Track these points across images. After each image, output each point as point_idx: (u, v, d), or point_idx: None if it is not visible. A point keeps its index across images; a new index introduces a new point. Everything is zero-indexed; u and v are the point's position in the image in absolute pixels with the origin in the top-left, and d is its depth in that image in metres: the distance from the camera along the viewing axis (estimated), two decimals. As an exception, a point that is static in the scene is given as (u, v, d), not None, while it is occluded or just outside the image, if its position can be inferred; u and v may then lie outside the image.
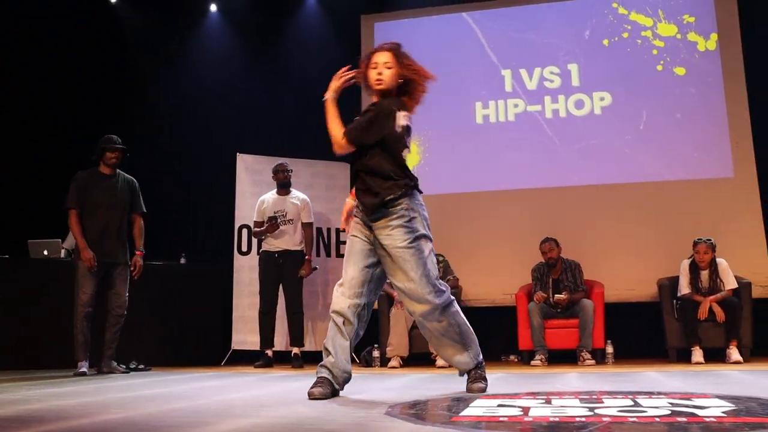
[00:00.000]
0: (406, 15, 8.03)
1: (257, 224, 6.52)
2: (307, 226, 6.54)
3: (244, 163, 7.20)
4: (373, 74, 3.40)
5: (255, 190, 7.08)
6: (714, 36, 7.22)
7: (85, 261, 5.25)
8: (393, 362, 6.05)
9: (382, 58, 3.38)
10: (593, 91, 7.41)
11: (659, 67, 7.29)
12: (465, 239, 7.23)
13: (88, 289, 5.28)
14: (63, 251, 6.33)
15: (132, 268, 5.53)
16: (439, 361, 5.88)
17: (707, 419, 2.18)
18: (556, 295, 6.23)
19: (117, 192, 5.53)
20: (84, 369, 5.18)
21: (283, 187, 6.56)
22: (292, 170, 6.60)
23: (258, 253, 6.76)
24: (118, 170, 5.61)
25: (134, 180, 5.72)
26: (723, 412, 2.33)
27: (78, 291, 5.28)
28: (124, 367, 5.66)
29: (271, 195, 6.58)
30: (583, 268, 6.41)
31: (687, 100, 7.17)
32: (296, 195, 6.61)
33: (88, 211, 5.40)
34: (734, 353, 5.65)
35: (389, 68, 3.35)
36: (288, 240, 6.45)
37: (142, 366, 5.92)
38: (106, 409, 2.77)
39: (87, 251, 5.26)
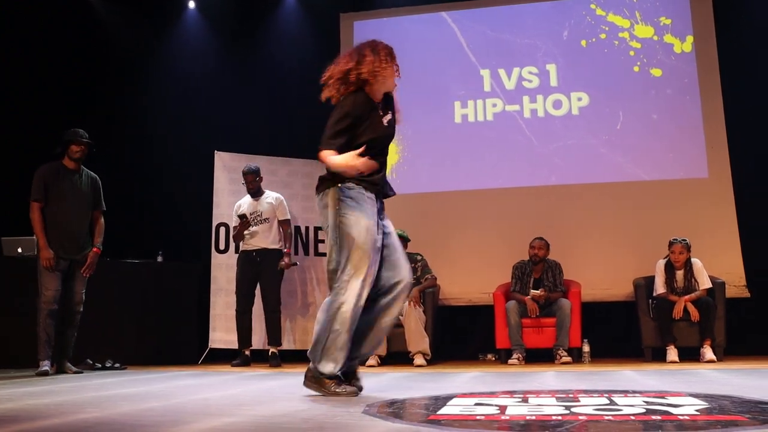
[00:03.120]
0: (386, 14, 8.03)
1: (235, 229, 6.51)
2: (284, 223, 6.54)
3: (222, 161, 7.16)
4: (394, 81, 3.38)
5: (233, 188, 7.05)
6: (690, 38, 7.30)
7: (44, 261, 5.16)
8: (371, 361, 6.05)
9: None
10: (571, 92, 7.45)
11: (636, 69, 7.36)
12: (443, 238, 7.24)
13: (51, 286, 5.17)
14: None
15: (86, 269, 5.40)
16: (417, 360, 5.89)
17: (681, 417, 2.20)
18: (532, 291, 6.27)
19: (83, 188, 5.45)
20: (46, 368, 5.05)
21: (255, 194, 6.54)
22: (261, 178, 6.57)
23: (236, 252, 6.74)
24: (82, 166, 5.52)
25: (97, 177, 5.64)
26: (696, 410, 2.36)
27: (41, 288, 5.18)
28: (99, 365, 5.60)
29: (246, 198, 6.58)
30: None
31: (663, 101, 7.24)
32: (270, 195, 6.60)
33: (52, 205, 5.30)
34: (708, 352, 5.72)
35: None
36: (265, 239, 6.44)
37: (117, 365, 5.87)
38: (80, 408, 2.74)
39: (46, 250, 5.16)
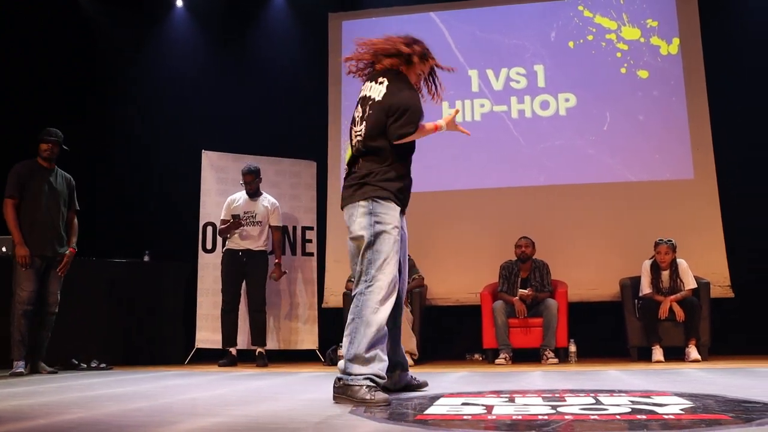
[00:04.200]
0: (375, 14, 8.03)
1: (224, 222, 6.48)
2: (276, 230, 6.56)
3: (209, 160, 7.14)
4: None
5: (220, 188, 7.03)
6: (676, 40, 7.35)
7: (19, 258, 5.12)
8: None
9: None
10: (558, 92, 7.48)
11: (623, 70, 7.40)
12: (430, 238, 7.24)
13: (27, 287, 5.13)
14: None
15: (60, 269, 5.36)
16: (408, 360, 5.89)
17: (666, 416, 2.22)
18: (520, 290, 6.29)
19: (55, 186, 5.41)
20: (21, 369, 5.00)
21: (253, 194, 6.54)
22: (261, 179, 6.59)
23: (222, 251, 6.73)
24: (56, 166, 5.48)
25: (71, 178, 5.61)
26: (681, 410, 2.38)
27: (16, 288, 5.14)
28: (85, 365, 5.55)
29: (242, 195, 6.56)
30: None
31: (649, 103, 7.29)
32: (267, 198, 6.61)
33: (27, 203, 5.26)
34: (693, 352, 5.76)
35: None
36: (253, 241, 6.45)
37: (104, 365, 5.84)
38: (66, 408, 2.73)
39: (22, 248, 5.11)
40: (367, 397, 2.78)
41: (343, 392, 2.89)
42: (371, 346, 2.92)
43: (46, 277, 5.30)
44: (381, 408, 2.66)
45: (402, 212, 3.22)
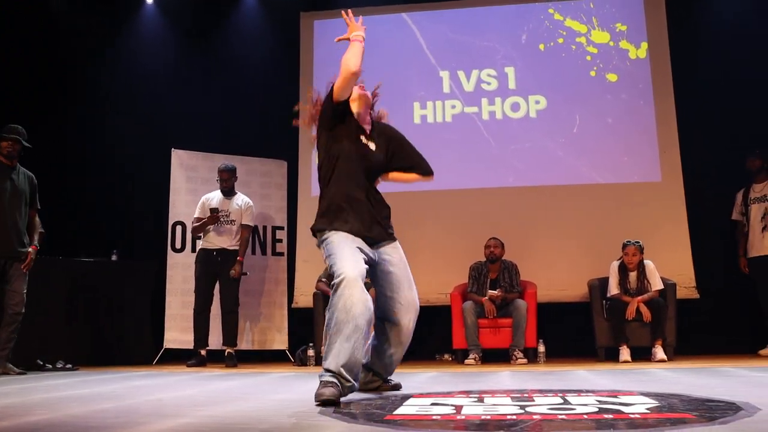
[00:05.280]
0: (346, 14, 8.00)
1: (198, 220, 6.42)
2: (245, 228, 6.51)
3: (179, 158, 7.07)
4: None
5: (189, 186, 6.98)
6: (644, 45, 7.45)
7: None
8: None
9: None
10: (529, 95, 7.54)
11: (592, 73, 7.48)
12: (400, 238, 7.14)
13: None
14: None
15: (24, 266, 5.28)
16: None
17: (632, 416, 2.24)
18: (489, 291, 6.32)
19: (17, 184, 5.32)
20: None
21: (228, 193, 6.50)
22: (236, 177, 6.55)
23: (192, 251, 6.68)
24: (18, 164, 5.39)
25: (33, 176, 5.51)
26: (647, 409, 2.41)
27: None
28: (50, 365, 5.47)
29: (216, 194, 6.52)
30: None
31: (618, 106, 7.38)
32: (241, 197, 6.58)
33: None
34: (659, 352, 5.84)
35: None
36: (227, 239, 6.41)
37: (69, 366, 5.75)
38: (29, 410, 2.69)
39: None
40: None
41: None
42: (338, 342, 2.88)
43: (8, 278, 5.21)
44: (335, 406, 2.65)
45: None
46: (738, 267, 6.58)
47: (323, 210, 3.23)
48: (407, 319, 3.33)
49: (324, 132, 3.32)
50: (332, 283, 2.97)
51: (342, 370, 2.82)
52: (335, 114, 3.26)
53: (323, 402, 2.69)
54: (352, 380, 2.88)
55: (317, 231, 3.22)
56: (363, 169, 3.26)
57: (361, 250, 3.11)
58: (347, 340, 2.84)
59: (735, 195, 6.66)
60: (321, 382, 2.81)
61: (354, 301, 2.86)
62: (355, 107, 3.35)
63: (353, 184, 3.22)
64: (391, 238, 3.41)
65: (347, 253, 3.03)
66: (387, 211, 3.42)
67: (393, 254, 3.35)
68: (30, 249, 5.34)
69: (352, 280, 2.90)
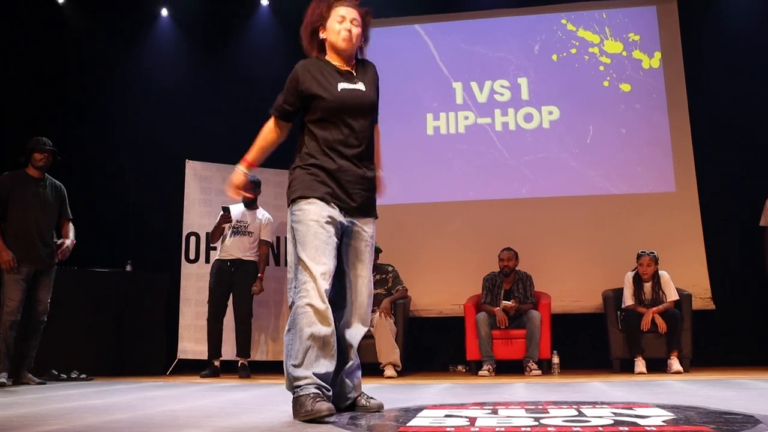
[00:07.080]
0: (359, 25, 8.04)
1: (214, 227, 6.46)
2: (264, 244, 6.53)
3: (193, 170, 7.11)
4: (339, 29, 2.98)
5: (204, 198, 7.01)
6: (658, 54, 7.43)
7: (3, 264, 5.07)
8: (389, 371, 5.97)
9: (351, 14, 2.99)
10: (542, 105, 7.53)
11: (606, 83, 7.46)
12: (414, 250, 7.25)
13: (15, 296, 5.07)
14: None
15: (60, 253, 5.37)
16: (388, 371, 5.87)
17: (648, 428, 2.22)
18: (503, 301, 6.30)
19: (47, 196, 5.38)
20: (3, 379, 4.93)
21: (250, 205, 6.52)
22: (260, 191, 6.57)
23: (206, 262, 6.70)
24: (46, 174, 5.45)
25: (62, 186, 5.58)
26: (663, 421, 2.38)
27: (4, 299, 5.08)
28: (65, 375, 5.49)
29: (238, 205, 6.52)
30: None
31: (632, 116, 7.35)
32: (263, 212, 6.61)
33: (15, 213, 5.22)
34: (675, 363, 5.79)
35: (357, 27, 2.99)
36: (243, 250, 6.40)
37: (84, 375, 5.78)
38: (44, 420, 2.69)
39: (5, 252, 5.07)
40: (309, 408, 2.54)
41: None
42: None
43: (35, 287, 5.26)
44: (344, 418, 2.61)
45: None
46: (757, 277, 6.34)
47: None
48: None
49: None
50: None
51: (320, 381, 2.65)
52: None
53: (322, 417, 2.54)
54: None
55: None
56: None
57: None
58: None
59: (764, 202, 6.18)
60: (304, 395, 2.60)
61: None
62: None
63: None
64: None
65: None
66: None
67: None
68: (67, 242, 5.42)
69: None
